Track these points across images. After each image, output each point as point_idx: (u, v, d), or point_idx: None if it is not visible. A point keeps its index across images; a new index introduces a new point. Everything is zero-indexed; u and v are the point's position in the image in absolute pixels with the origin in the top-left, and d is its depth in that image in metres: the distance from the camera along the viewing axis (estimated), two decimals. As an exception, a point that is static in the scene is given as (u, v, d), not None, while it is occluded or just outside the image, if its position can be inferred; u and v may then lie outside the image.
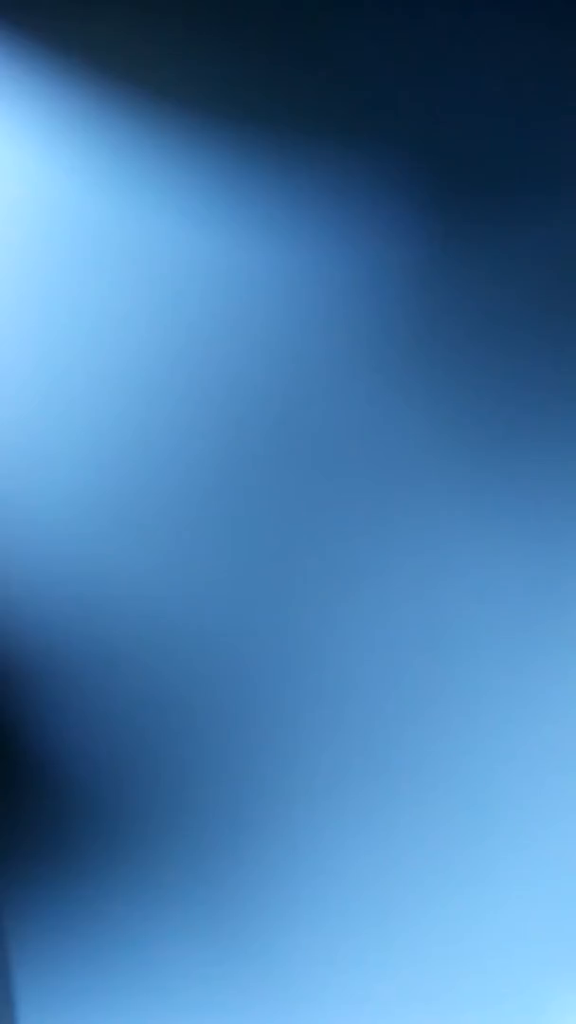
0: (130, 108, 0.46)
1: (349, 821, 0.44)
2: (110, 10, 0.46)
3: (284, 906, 0.43)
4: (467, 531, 0.45)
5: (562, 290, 0.46)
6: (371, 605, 0.44)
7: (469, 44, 0.47)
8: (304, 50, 0.46)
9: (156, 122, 0.46)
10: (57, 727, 0.44)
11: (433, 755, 0.44)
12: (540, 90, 0.46)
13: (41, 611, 0.44)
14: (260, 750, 0.44)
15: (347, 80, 0.46)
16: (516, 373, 0.45)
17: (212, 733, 0.44)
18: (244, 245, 0.46)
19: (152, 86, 0.46)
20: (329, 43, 0.46)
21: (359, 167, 0.46)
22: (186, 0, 0.46)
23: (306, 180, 0.46)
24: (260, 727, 0.44)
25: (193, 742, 0.44)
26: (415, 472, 0.45)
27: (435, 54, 0.46)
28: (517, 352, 0.45)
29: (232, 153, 0.46)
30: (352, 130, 0.46)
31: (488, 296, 0.46)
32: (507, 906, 0.43)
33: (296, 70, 0.46)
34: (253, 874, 0.43)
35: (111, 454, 0.45)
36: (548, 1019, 0.43)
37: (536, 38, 0.47)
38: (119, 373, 0.45)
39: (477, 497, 0.45)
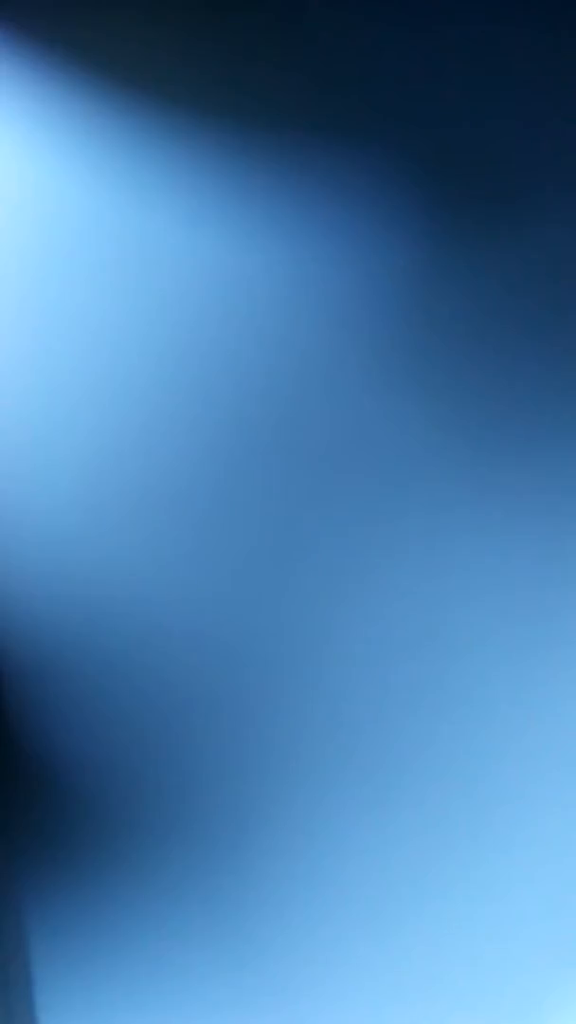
0: (133, 112, 0.46)
1: (348, 816, 0.44)
2: (112, 14, 0.46)
3: (284, 899, 0.43)
4: (467, 528, 0.45)
5: (560, 291, 0.46)
6: (370, 602, 0.44)
7: (470, 49, 0.47)
8: (307, 55, 0.46)
9: (158, 125, 0.46)
10: (58, 728, 0.44)
11: (432, 751, 0.44)
12: (540, 95, 0.47)
13: (43, 613, 0.44)
14: (260, 747, 0.44)
15: (349, 84, 0.46)
16: (516, 372, 0.46)
17: (212, 731, 0.44)
18: (246, 247, 0.46)
19: (155, 90, 0.46)
20: (332, 48, 0.46)
21: (360, 170, 0.46)
22: (189, 4, 0.46)
23: (308, 183, 0.46)
24: (260, 724, 0.44)
25: (193, 741, 0.44)
26: (416, 470, 0.45)
27: (436, 59, 0.47)
28: (517, 351, 0.46)
29: (235, 156, 0.46)
30: (353, 133, 0.46)
31: (487, 296, 0.46)
32: (505, 900, 0.44)
33: (298, 74, 0.46)
34: (253, 869, 0.43)
35: (112, 457, 0.45)
36: (545, 1012, 0.43)
37: (536, 44, 0.47)
38: (120, 376, 0.45)
39: (477, 494, 0.45)
